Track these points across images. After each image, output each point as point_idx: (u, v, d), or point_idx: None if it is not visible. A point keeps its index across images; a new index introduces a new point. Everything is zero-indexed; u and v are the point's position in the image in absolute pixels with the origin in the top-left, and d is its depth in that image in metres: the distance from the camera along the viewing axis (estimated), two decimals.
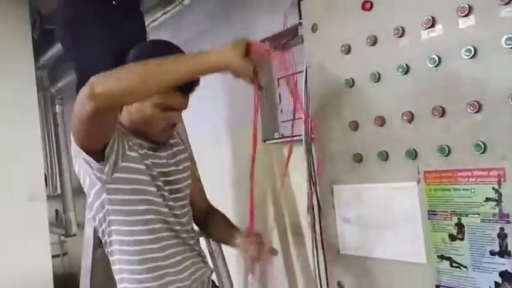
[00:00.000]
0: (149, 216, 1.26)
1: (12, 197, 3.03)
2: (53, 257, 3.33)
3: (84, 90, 1.00)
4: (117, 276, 1.31)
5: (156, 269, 1.26)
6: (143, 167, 1.25)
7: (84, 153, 1.15)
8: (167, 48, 1.25)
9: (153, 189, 1.26)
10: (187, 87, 1.21)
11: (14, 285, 2.90)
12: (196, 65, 1.07)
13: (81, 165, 1.22)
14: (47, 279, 3.16)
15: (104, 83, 1.00)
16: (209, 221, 1.51)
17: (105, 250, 1.34)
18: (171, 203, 1.30)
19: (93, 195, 1.27)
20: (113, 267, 1.33)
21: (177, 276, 1.29)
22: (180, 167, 1.39)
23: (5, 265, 2.93)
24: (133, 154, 1.24)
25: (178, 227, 1.32)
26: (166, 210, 1.29)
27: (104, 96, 1.00)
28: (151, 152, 1.30)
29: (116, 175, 1.20)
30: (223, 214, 1.53)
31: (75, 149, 1.17)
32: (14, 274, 2.93)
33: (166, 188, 1.30)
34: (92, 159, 1.16)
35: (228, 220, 1.51)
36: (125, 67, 1.07)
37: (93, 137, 1.12)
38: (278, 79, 2.00)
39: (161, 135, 1.30)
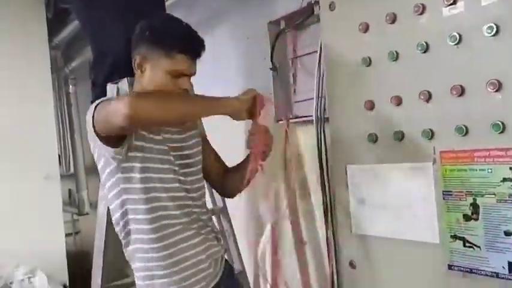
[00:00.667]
0: (161, 195, 1.28)
1: (27, 176, 3.07)
2: (66, 235, 3.38)
3: (121, 105, 1.10)
4: (131, 256, 1.33)
5: (171, 245, 1.28)
6: (154, 145, 1.29)
7: (100, 141, 1.23)
8: (176, 25, 1.33)
9: (164, 166, 1.29)
10: (193, 52, 1.31)
11: (29, 262, 2.95)
12: (214, 110, 1.29)
13: (97, 145, 1.26)
14: (61, 257, 3.21)
15: (142, 106, 1.13)
16: (228, 174, 1.55)
17: (118, 230, 1.35)
18: (182, 178, 1.33)
19: (107, 174, 1.30)
20: (126, 248, 1.34)
21: (192, 251, 1.31)
22: (191, 142, 1.41)
23: (19, 243, 2.97)
24: (145, 132, 1.28)
25: (189, 202, 1.34)
26: (176, 185, 1.31)
27: (139, 118, 1.13)
28: (163, 127, 1.33)
29: (130, 154, 1.25)
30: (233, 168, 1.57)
31: (91, 133, 1.24)
32: (29, 252, 2.98)
33: (178, 162, 1.33)
34: (109, 146, 1.23)
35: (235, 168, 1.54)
36: (163, 96, 1.24)
37: (115, 135, 1.22)
38: (292, 59, 1.99)
39: None
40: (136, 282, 1.35)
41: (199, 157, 1.44)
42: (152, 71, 1.30)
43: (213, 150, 1.58)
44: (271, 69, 1.96)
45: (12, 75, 3.06)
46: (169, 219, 1.30)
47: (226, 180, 1.54)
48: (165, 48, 1.28)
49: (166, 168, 1.31)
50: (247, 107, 1.30)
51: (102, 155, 1.29)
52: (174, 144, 1.35)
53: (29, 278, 2.84)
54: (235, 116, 1.32)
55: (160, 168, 1.30)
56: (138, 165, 1.27)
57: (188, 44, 1.31)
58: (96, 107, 1.22)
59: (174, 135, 1.36)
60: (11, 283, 2.75)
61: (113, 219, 1.36)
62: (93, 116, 1.21)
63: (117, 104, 1.12)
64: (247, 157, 1.43)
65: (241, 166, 1.44)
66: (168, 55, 1.28)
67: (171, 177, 1.31)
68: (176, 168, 1.33)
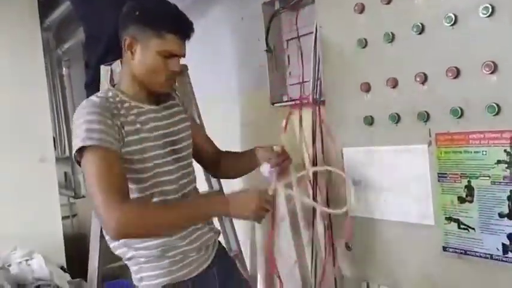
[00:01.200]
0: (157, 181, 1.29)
1: (23, 159, 3.06)
2: (63, 218, 3.39)
3: (109, 224, 1.12)
4: (122, 248, 1.33)
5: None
6: (142, 135, 1.28)
7: None
8: (165, 6, 1.31)
9: (154, 152, 1.29)
10: (183, 33, 1.28)
11: (26, 245, 2.96)
12: (205, 216, 1.31)
13: None
14: (58, 240, 3.23)
15: (130, 227, 1.14)
16: (223, 160, 1.56)
17: None
18: (171, 167, 1.32)
19: None
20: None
21: (181, 243, 1.31)
22: (180, 126, 1.40)
23: (16, 226, 2.98)
24: (131, 128, 1.25)
25: (178, 190, 1.33)
26: (166, 178, 1.30)
27: (127, 235, 1.20)
28: (151, 115, 1.32)
29: (125, 149, 1.24)
30: (235, 151, 1.59)
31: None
32: (26, 235, 2.99)
33: (168, 149, 1.32)
34: None
35: (242, 152, 1.57)
36: (151, 211, 1.21)
37: None
38: (287, 41, 1.97)
39: (165, 84, 1.33)
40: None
41: (189, 141, 1.42)
42: (143, 52, 1.27)
43: (200, 130, 1.58)
44: (266, 51, 1.94)
45: (3, 58, 3.02)
46: None
47: (221, 163, 1.55)
48: (156, 29, 1.26)
49: (157, 154, 1.29)
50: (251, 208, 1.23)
51: None
52: (163, 131, 1.33)
53: (27, 260, 2.85)
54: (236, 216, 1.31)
55: (152, 156, 1.28)
56: (134, 157, 1.25)
57: (178, 24, 1.29)
58: (83, 147, 1.16)
59: (163, 121, 1.35)
60: (8, 265, 2.76)
61: None
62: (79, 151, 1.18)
63: (105, 215, 1.13)
64: (250, 152, 1.48)
65: (242, 160, 1.51)
66: (159, 35, 1.26)
67: (162, 164, 1.30)
68: (166, 155, 1.32)
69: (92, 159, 1.16)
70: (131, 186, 1.25)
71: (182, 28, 1.29)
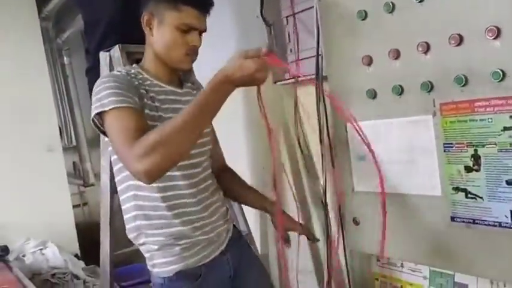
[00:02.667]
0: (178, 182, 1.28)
1: (30, 150, 3.09)
2: (74, 207, 3.43)
3: (135, 169, 1.05)
4: (134, 232, 1.33)
5: (175, 206, 1.28)
6: (160, 113, 1.25)
7: None
8: None
9: None
10: (202, 4, 1.25)
11: (40, 235, 3.01)
12: (212, 102, 1.08)
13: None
14: (70, 228, 3.28)
15: (150, 162, 1.03)
16: (223, 180, 1.52)
17: (120, 198, 1.35)
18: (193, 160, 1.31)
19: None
20: (126, 216, 1.34)
21: (194, 233, 1.30)
22: None
23: (28, 217, 3.03)
24: (150, 103, 1.23)
25: (196, 178, 1.33)
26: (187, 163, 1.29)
27: (154, 173, 1.06)
28: (171, 97, 1.30)
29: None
30: (238, 176, 1.57)
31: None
32: (38, 225, 3.04)
33: None
34: None
35: (245, 183, 1.56)
36: (159, 133, 1.05)
37: None
38: (287, 17, 1.94)
39: (185, 60, 1.30)
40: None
41: (208, 130, 1.41)
42: (160, 27, 1.25)
43: (214, 133, 1.55)
44: (265, 24, 1.91)
45: (4, 50, 3.02)
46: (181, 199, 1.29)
47: (224, 182, 1.52)
48: (172, 1, 1.23)
49: None
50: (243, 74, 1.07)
51: None
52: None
53: (41, 249, 2.90)
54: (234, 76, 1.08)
55: None
56: None
57: None
58: (105, 111, 1.14)
59: (179, 105, 1.31)
60: (23, 256, 2.81)
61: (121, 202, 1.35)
62: (100, 116, 1.16)
63: (128, 158, 1.07)
64: (260, 199, 1.52)
65: (246, 198, 1.56)
66: (175, 8, 1.23)
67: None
68: None
69: (111, 121, 1.14)
70: None
71: (200, 0, 1.25)
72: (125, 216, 1.34)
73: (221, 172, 1.53)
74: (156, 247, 1.29)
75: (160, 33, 1.25)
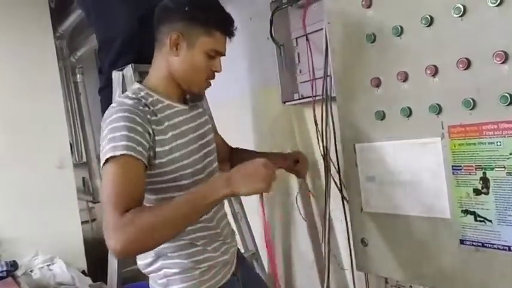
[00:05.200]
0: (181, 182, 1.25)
1: (41, 166, 3.12)
2: (82, 223, 3.44)
3: (109, 239, 1.02)
4: (149, 258, 1.28)
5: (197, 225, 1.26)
6: (179, 141, 1.24)
7: None
8: (213, 2, 1.27)
9: (191, 159, 1.25)
10: (230, 30, 1.25)
11: (48, 250, 3.01)
12: (213, 201, 1.07)
13: None
14: (78, 244, 3.28)
15: (128, 242, 1.01)
16: (235, 155, 1.60)
17: None
18: (200, 166, 1.29)
19: None
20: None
21: (214, 254, 1.30)
22: (206, 128, 1.37)
23: (37, 232, 3.04)
24: (162, 137, 1.20)
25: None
26: (198, 171, 1.28)
27: (124, 254, 1.03)
28: (183, 117, 1.28)
29: (157, 161, 1.19)
30: (247, 149, 1.66)
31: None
32: (47, 240, 3.04)
33: (202, 152, 1.30)
34: None
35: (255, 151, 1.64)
36: (145, 222, 1.03)
37: None
38: (296, 39, 1.97)
39: (204, 85, 1.30)
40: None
41: (214, 144, 1.41)
42: (189, 50, 1.22)
43: (216, 130, 1.59)
44: (276, 45, 1.94)
45: (19, 67, 3.08)
46: None
47: (233, 158, 1.59)
48: (206, 26, 1.21)
49: (195, 160, 1.26)
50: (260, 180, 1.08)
51: None
52: (193, 134, 1.29)
53: (48, 265, 2.91)
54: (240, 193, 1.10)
55: (190, 162, 1.24)
56: (170, 167, 1.21)
57: (226, 21, 1.25)
58: (107, 159, 1.10)
59: (193, 122, 1.31)
60: (30, 271, 2.82)
61: None
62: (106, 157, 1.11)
63: (106, 233, 1.03)
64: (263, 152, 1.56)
65: (254, 156, 1.48)
66: (208, 33, 1.22)
67: (201, 169, 1.28)
68: (200, 160, 1.29)
69: (109, 169, 1.10)
70: (168, 195, 1.21)
71: (229, 26, 1.25)
72: None
73: (230, 154, 1.61)
74: (175, 271, 1.25)
75: (189, 56, 1.23)
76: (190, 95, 1.31)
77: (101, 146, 1.14)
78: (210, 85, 1.32)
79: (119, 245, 1.01)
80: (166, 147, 1.20)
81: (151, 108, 1.20)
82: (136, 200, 1.08)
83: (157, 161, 1.18)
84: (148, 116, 1.17)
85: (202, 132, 1.34)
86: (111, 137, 1.11)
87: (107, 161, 1.10)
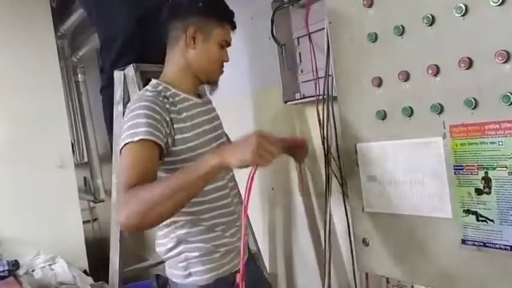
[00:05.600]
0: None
1: (42, 166, 3.12)
2: (83, 222, 3.45)
3: (121, 215, 1.10)
4: (170, 243, 1.35)
5: (216, 210, 1.35)
6: (196, 131, 1.32)
7: None
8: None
9: (206, 148, 1.33)
10: (234, 23, 1.39)
11: (50, 250, 3.02)
12: (204, 174, 1.11)
13: None
14: (80, 244, 3.28)
15: (130, 214, 1.09)
16: None
17: None
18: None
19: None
20: (162, 230, 1.37)
21: (232, 239, 1.39)
22: (217, 123, 1.47)
23: (39, 232, 3.04)
24: (181, 124, 1.29)
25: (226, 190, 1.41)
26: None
27: (131, 227, 1.11)
28: (198, 109, 1.37)
29: (177, 147, 1.28)
30: None
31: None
32: (48, 240, 3.05)
33: (214, 144, 1.39)
34: None
35: None
36: (143, 195, 1.10)
37: None
38: (298, 38, 1.96)
39: (219, 74, 1.42)
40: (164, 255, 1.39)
41: (225, 138, 1.50)
42: (205, 42, 1.34)
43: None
44: (277, 44, 1.94)
45: (20, 66, 3.09)
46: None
47: None
48: (219, 19, 1.35)
49: (208, 151, 1.33)
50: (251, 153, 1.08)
51: None
52: (208, 126, 1.39)
53: (50, 265, 2.91)
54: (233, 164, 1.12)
55: (204, 152, 1.31)
56: (188, 155, 1.29)
57: (232, 14, 1.39)
58: (125, 144, 1.19)
59: (207, 115, 1.41)
60: (32, 270, 2.82)
61: None
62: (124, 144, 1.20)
63: (119, 211, 1.12)
64: None
65: None
66: (221, 25, 1.35)
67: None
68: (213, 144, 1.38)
69: (126, 153, 1.19)
70: None
71: (233, 18, 1.39)
72: (161, 231, 1.37)
73: None
74: (196, 254, 1.33)
75: (206, 48, 1.34)
76: (210, 84, 1.43)
77: (122, 133, 1.23)
78: (223, 72, 1.43)
79: (123, 218, 1.09)
80: (185, 135, 1.28)
81: (171, 99, 1.29)
82: (147, 181, 1.14)
83: (175, 148, 1.27)
84: (168, 106, 1.27)
85: (215, 125, 1.44)
86: (131, 124, 1.20)
87: (125, 145, 1.19)
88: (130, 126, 1.20)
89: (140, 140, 1.17)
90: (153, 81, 1.36)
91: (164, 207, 1.10)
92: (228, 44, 1.39)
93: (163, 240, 1.37)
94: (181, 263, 1.34)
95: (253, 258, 1.57)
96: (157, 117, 1.21)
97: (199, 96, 1.42)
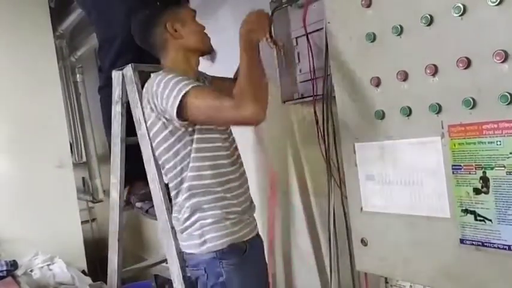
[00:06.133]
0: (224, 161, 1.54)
1: (41, 166, 3.12)
2: (82, 222, 3.45)
3: (248, 115, 1.31)
4: (188, 212, 1.50)
5: (226, 181, 1.53)
6: None
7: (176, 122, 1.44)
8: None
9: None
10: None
11: (48, 250, 3.02)
12: (253, 56, 1.42)
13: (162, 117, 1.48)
14: (78, 244, 3.29)
15: (256, 105, 1.31)
16: None
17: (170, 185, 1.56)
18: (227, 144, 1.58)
19: (173, 140, 1.49)
20: (178, 198, 1.52)
21: (238, 208, 1.54)
22: None
23: (37, 232, 3.04)
24: None
25: (234, 156, 1.60)
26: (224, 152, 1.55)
27: (262, 114, 1.33)
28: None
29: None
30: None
31: (169, 114, 1.42)
32: (47, 240, 3.05)
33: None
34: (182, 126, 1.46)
35: None
36: (243, 86, 1.35)
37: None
38: (296, 38, 1.97)
39: (208, 39, 1.63)
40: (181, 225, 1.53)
41: None
42: (185, 25, 1.56)
43: (227, 81, 1.73)
44: (275, 45, 1.93)
45: (18, 66, 3.09)
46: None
47: None
48: (177, 3, 1.63)
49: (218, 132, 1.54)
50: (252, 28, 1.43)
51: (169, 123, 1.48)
52: None
53: (48, 265, 2.91)
54: (251, 36, 1.43)
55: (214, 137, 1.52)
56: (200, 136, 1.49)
57: None
58: (184, 94, 1.36)
59: None
60: (30, 271, 2.82)
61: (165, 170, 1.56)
62: (180, 102, 1.37)
63: (240, 113, 1.32)
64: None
65: None
66: (182, 6, 1.64)
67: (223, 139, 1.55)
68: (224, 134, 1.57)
69: (195, 96, 1.37)
70: (202, 163, 1.47)
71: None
72: (177, 199, 1.53)
73: None
74: (210, 221, 1.47)
75: (188, 29, 1.55)
76: (209, 53, 1.62)
77: (164, 101, 1.40)
78: (210, 38, 1.63)
79: (250, 108, 1.30)
80: None
81: None
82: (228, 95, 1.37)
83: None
84: None
85: None
86: (172, 85, 1.39)
87: (181, 102, 1.36)
88: (173, 87, 1.38)
89: (192, 87, 1.37)
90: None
91: (258, 84, 1.37)
92: (195, 13, 1.61)
93: (179, 212, 1.52)
94: (197, 231, 1.47)
95: (257, 235, 1.65)
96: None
97: (198, 79, 1.59)
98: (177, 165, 1.51)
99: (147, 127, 1.56)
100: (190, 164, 1.48)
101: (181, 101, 1.36)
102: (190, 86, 1.37)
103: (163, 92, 1.40)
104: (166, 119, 1.47)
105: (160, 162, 1.58)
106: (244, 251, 1.50)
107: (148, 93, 1.47)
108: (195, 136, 1.47)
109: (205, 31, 1.62)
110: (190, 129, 1.47)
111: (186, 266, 1.58)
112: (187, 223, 1.50)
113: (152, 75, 1.48)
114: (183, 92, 1.36)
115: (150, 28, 1.55)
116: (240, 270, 1.49)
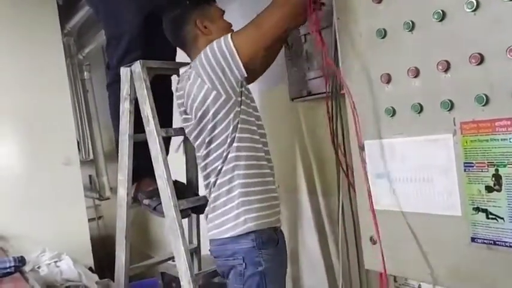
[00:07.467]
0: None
1: (48, 163, 3.13)
2: (89, 220, 3.46)
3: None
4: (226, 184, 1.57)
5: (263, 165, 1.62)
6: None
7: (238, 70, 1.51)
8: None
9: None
10: None
11: (55, 247, 3.03)
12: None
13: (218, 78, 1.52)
14: (85, 241, 3.30)
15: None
16: None
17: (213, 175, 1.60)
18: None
19: (222, 114, 1.54)
20: (223, 178, 1.57)
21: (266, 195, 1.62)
22: None
23: (44, 229, 3.06)
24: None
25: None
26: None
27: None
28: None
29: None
30: None
31: (231, 63, 1.50)
32: (54, 237, 3.06)
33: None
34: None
35: None
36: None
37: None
38: (305, 35, 1.95)
39: None
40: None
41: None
42: (213, 22, 1.63)
43: None
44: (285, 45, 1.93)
45: (26, 64, 3.10)
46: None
47: None
48: (207, 2, 1.68)
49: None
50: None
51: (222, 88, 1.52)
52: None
53: (55, 262, 2.92)
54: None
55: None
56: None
57: None
58: (231, 37, 1.49)
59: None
60: (38, 267, 2.83)
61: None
62: (234, 46, 1.47)
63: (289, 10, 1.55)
64: None
65: None
66: (212, 4, 1.69)
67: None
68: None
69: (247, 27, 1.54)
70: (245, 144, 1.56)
71: None
72: (221, 179, 1.56)
73: None
74: (252, 198, 1.54)
75: (217, 26, 1.63)
76: None
77: (216, 57, 1.48)
78: None
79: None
80: None
81: None
82: None
83: None
84: None
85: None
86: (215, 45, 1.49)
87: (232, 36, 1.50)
88: (216, 43, 1.49)
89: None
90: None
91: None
92: (223, 12, 1.68)
93: (220, 190, 1.56)
94: (236, 210, 1.53)
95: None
96: None
97: None
98: (224, 143, 1.55)
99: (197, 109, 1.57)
100: (235, 144, 1.54)
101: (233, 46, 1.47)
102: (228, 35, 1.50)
103: (213, 53, 1.49)
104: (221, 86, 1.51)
105: (206, 141, 1.58)
106: (277, 242, 1.60)
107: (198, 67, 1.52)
108: (240, 116, 1.56)
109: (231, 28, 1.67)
110: (237, 108, 1.54)
111: (216, 257, 1.61)
112: (228, 205, 1.55)
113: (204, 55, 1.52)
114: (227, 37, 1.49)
115: (181, 26, 1.62)
116: (275, 261, 1.58)
